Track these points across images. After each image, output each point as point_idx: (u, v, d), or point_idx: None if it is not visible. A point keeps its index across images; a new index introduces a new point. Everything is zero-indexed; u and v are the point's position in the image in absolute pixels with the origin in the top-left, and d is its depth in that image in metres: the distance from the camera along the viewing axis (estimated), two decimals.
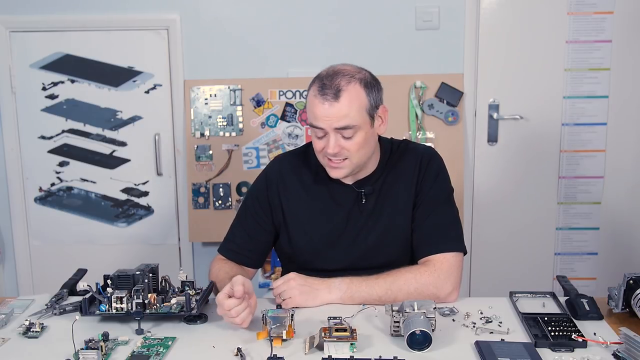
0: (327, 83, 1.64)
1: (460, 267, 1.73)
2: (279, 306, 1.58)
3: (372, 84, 1.69)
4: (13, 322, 1.60)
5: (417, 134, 3.04)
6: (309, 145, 1.88)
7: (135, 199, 3.21)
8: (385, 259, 1.78)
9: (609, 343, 1.41)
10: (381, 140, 1.83)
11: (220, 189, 3.10)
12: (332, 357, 1.37)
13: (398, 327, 1.46)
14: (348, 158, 1.69)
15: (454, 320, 1.57)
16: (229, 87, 3.06)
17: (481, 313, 1.61)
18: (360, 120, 1.65)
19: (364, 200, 1.78)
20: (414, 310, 1.43)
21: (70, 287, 1.77)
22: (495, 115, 3.10)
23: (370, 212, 1.79)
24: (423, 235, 1.75)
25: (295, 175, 1.84)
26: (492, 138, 3.13)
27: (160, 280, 1.67)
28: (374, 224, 1.78)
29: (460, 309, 1.63)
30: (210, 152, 3.09)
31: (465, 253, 1.76)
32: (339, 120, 1.64)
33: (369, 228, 1.78)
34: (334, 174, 1.73)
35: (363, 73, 1.69)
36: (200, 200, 3.11)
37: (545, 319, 1.53)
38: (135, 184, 3.20)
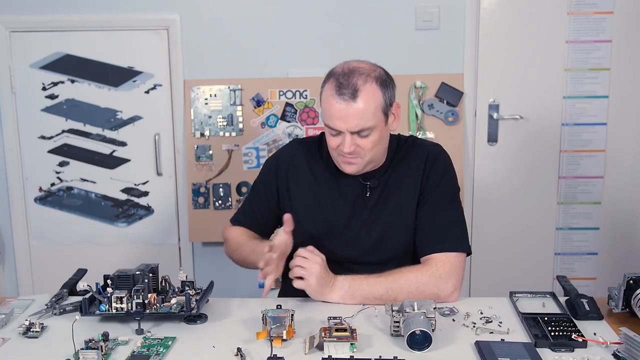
0: (344, 82, 1.64)
1: (463, 267, 1.73)
2: (279, 306, 1.58)
3: (387, 82, 1.70)
4: (13, 322, 1.60)
5: (417, 134, 3.04)
6: (323, 135, 1.89)
7: (135, 199, 3.21)
8: (388, 255, 1.78)
9: (609, 343, 1.41)
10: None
11: (220, 189, 3.10)
12: (332, 357, 1.37)
13: (398, 327, 1.46)
14: (360, 156, 1.71)
15: (454, 320, 1.57)
16: (229, 87, 3.06)
17: (481, 313, 1.61)
18: (375, 121, 1.66)
19: (368, 194, 1.79)
20: (414, 310, 1.43)
21: (70, 287, 1.77)
22: (495, 115, 3.10)
23: (374, 205, 1.79)
24: (427, 233, 1.76)
25: (307, 161, 1.87)
26: (492, 138, 3.13)
27: (160, 280, 1.67)
28: (378, 219, 1.79)
29: (460, 309, 1.63)
30: (210, 152, 3.09)
31: (469, 254, 1.76)
32: (355, 122, 1.64)
33: (372, 222, 1.79)
34: (348, 169, 1.74)
35: (378, 71, 1.70)
36: (200, 200, 3.11)
37: (545, 319, 1.53)
38: (135, 184, 3.20)
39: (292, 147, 1.93)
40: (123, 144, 3.16)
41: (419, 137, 3.02)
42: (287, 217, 1.65)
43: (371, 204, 1.80)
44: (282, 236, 1.65)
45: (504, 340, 1.45)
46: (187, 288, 1.65)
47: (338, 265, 1.75)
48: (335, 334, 1.41)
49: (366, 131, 1.66)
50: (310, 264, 1.63)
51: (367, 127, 1.65)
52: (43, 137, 3.17)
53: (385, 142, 1.77)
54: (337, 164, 1.77)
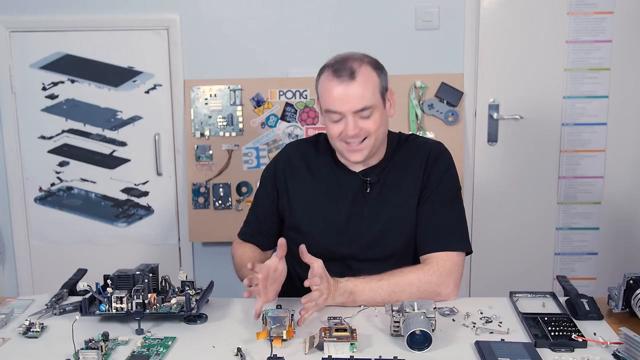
0: (340, 67, 1.69)
1: (462, 266, 1.73)
2: (279, 306, 1.58)
3: (380, 66, 1.76)
4: (13, 322, 1.60)
5: (417, 134, 3.04)
6: (319, 135, 1.92)
7: (135, 199, 3.21)
8: (389, 251, 1.78)
9: (609, 343, 1.41)
10: (389, 132, 1.85)
11: (220, 189, 3.10)
12: (332, 357, 1.37)
13: (398, 327, 1.46)
14: (367, 137, 1.71)
15: (454, 320, 1.57)
16: (229, 87, 3.06)
17: (481, 313, 1.61)
18: (375, 100, 1.70)
19: (368, 189, 1.79)
20: (414, 310, 1.43)
21: (70, 287, 1.77)
22: (495, 115, 3.10)
23: (375, 201, 1.79)
24: (428, 232, 1.76)
25: (304, 161, 1.88)
26: (492, 138, 3.14)
27: (160, 280, 1.67)
28: (378, 214, 1.78)
29: (460, 309, 1.63)
30: (210, 152, 3.09)
31: (469, 253, 1.77)
32: (356, 101, 1.67)
33: (373, 218, 1.79)
34: (354, 157, 1.74)
35: (370, 57, 1.76)
36: (200, 200, 3.11)
37: (545, 319, 1.53)
38: (135, 184, 3.20)
39: (288, 149, 1.95)
40: (123, 144, 3.17)
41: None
42: (281, 242, 1.58)
43: (372, 200, 1.80)
44: (273, 259, 1.58)
45: (504, 340, 1.45)
46: (187, 288, 1.65)
47: (339, 262, 1.76)
48: (335, 334, 1.41)
49: (368, 110, 1.68)
50: (324, 297, 1.57)
51: (369, 106, 1.68)
52: (43, 137, 3.17)
53: (386, 127, 1.78)
54: (342, 155, 1.77)
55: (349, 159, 1.76)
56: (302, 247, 1.57)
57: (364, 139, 1.71)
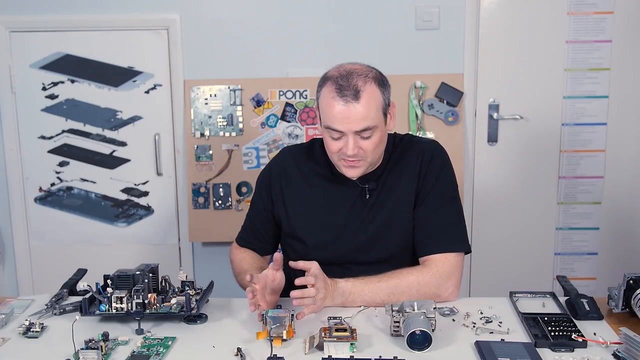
0: (344, 84, 1.62)
1: (461, 266, 1.73)
2: (279, 306, 1.58)
3: (384, 82, 1.69)
4: (13, 322, 1.60)
5: (417, 134, 3.04)
6: (314, 141, 1.90)
7: (135, 199, 3.21)
8: (386, 254, 1.78)
9: (609, 343, 1.41)
10: None
11: (220, 189, 3.10)
12: (332, 357, 1.37)
13: (398, 327, 1.46)
14: (363, 159, 1.69)
15: (454, 320, 1.58)
16: (229, 87, 3.06)
17: (481, 313, 1.61)
18: (377, 120, 1.65)
19: (367, 196, 1.79)
20: (414, 310, 1.44)
21: (70, 287, 1.77)
22: (495, 115, 3.11)
23: (373, 206, 1.79)
24: (425, 234, 1.75)
25: (299, 168, 1.86)
26: (492, 138, 3.14)
27: (160, 280, 1.67)
28: (375, 217, 1.78)
29: (460, 309, 1.63)
30: (210, 152, 3.09)
31: (468, 252, 1.76)
32: (358, 122, 1.63)
33: (371, 222, 1.78)
34: (350, 173, 1.73)
35: (374, 72, 1.69)
36: (200, 200, 3.11)
37: (545, 319, 1.54)
38: (135, 184, 3.20)
39: (283, 155, 1.93)
40: (123, 144, 3.17)
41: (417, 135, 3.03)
42: (277, 257, 1.60)
43: (370, 205, 1.79)
44: (269, 271, 1.60)
45: (504, 340, 1.45)
46: (187, 288, 1.65)
47: (338, 266, 1.75)
48: (335, 334, 1.41)
49: (368, 131, 1.65)
50: (323, 298, 1.58)
51: (371, 127, 1.64)
52: (43, 137, 3.17)
53: (384, 143, 1.76)
54: (339, 169, 1.76)
55: (345, 174, 1.74)
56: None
57: (361, 159, 1.69)
